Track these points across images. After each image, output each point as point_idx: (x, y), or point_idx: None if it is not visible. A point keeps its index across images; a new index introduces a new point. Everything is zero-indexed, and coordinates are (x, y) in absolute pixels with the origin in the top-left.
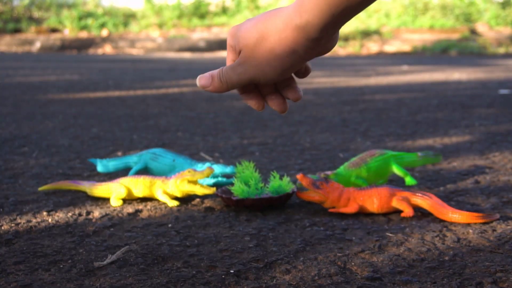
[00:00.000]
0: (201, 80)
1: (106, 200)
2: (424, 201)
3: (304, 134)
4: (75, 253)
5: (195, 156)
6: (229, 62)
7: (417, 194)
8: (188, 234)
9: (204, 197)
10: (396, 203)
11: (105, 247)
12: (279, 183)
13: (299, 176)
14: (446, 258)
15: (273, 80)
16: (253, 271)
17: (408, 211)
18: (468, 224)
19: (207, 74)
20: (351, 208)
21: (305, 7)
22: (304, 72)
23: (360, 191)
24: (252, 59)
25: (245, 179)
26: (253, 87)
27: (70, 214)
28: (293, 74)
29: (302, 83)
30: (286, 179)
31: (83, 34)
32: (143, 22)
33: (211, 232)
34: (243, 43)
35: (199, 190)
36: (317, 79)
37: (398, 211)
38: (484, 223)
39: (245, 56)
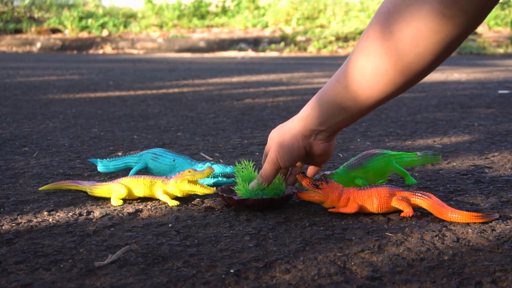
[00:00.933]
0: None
1: (106, 200)
2: (424, 201)
3: None
4: (76, 253)
5: (195, 156)
6: (265, 152)
7: (416, 194)
8: (188, 234)
9: (204, 197)
10: (395, 203)
11: (105, 246)
12: (279, 183)
13: (299, 176)
14: (446, 257)
15: (284, 163)
16: (253, 271)
17: (407, 211)
18: (468, 224)
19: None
20: (350, 208)
21: (310, 104)
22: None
23: (360, 191)
24: (273, 145)
25: (246, 179)
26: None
27: (70, 214)
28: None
29: (303, 84)
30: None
31: (84, 34)
32: (143, 22)
33: (211, 232)
34: (271, 135)
35: (199, 190)
36: (317, 79)
37: (398, 211)
38: (483, 223)
39: (270, 144)
